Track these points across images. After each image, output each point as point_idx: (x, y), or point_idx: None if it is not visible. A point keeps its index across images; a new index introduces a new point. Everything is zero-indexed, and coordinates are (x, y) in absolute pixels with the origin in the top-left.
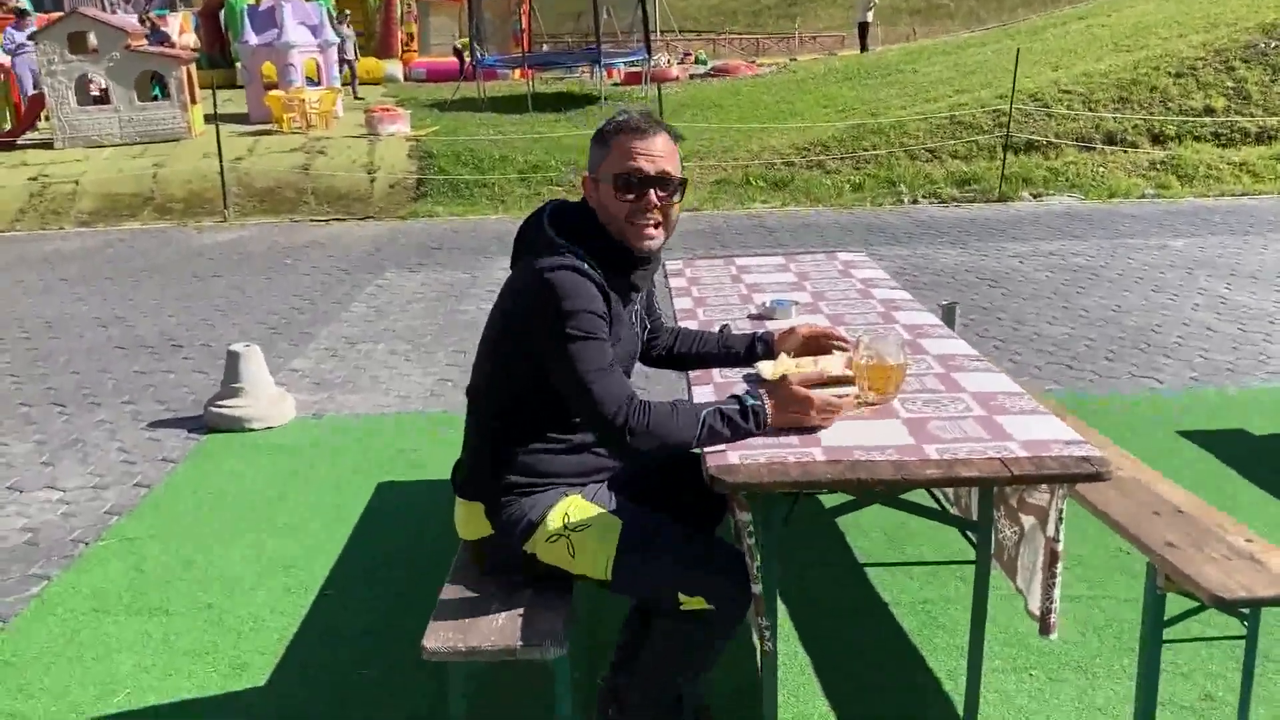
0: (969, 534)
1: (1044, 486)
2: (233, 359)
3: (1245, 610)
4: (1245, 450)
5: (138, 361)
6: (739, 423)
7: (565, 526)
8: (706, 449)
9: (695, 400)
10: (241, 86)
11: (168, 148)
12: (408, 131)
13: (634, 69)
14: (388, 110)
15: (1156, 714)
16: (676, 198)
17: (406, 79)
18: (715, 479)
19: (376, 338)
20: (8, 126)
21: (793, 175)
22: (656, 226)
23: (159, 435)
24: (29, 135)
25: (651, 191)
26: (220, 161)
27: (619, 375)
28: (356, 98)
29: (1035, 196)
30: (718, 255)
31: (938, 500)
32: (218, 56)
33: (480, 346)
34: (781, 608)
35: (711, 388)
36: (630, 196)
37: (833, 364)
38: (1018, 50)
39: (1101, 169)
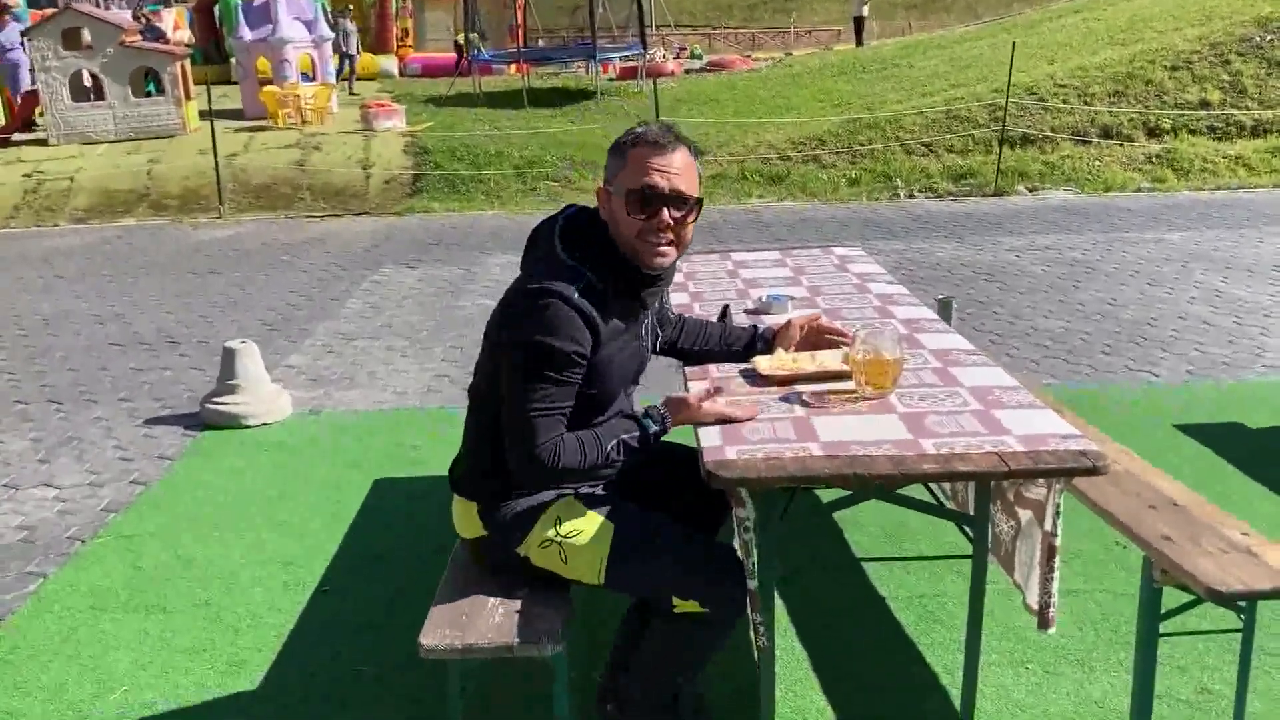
0: (966, 529)
1: (1041, 481)
2: (229, 356)
3: (1241, 604)
4: (1241, 444)
5: (134, 358)
6: (636, 449)
7: (557, 532)
8: (704, 445)
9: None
10: (236, 82)
11: (162, 144)
12: (403, 127)
13: (629, 64)
14: (383, 106)
15: (1153, 707)
16: (691, 217)
17: (402, 74)
18: (712, 474)
19: (373, 334)
20: (1, 123)
21: (789, 170)
22: (669, 245)
23: (156, 432)
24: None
25: (665, 210)
26: (215, 157)
27: (557, 418)
28: (352, 93)
29: (1031, 190)
30: (714, 250)
31: (934, 495)
32: (212, 52)
33: (483, 345)
34: (779, 603)
35: (708, 382)
36: (643, 214)
37: (830, 359)
38: (1013, 44)
39: (1097, 163)
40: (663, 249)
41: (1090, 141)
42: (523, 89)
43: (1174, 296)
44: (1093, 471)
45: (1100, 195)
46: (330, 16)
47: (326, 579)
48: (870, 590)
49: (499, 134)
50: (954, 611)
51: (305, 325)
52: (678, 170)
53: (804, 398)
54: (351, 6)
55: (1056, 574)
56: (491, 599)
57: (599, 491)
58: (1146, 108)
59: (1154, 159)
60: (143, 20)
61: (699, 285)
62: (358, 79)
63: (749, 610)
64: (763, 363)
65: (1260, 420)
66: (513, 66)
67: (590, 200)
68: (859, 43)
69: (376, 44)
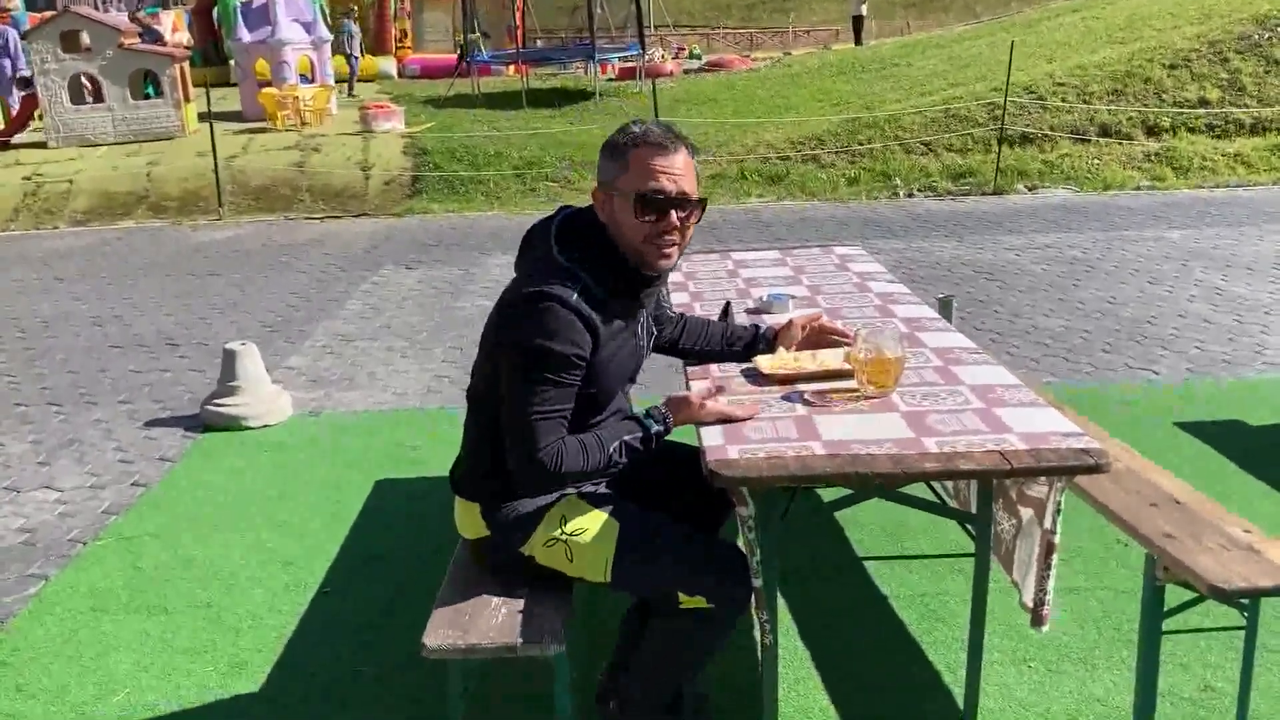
0: (968, 527)
1: (1042, 479)
2: (229, 357)
3: (1244, 601)
4: (1242, 442)
5: (134, 360)
6: (638, 449)
7: (562, 530)
8: (706, 445)
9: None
10: (235, 84)
11: (162, 146)
12: (402, 128)
13: (628, 64)
14: (382, 107)
15: (1156, 705)
16: (694, 218)
17: (401, 75)
18: (714, 473)
19: (373, 335)
20: (1, 126)
21: (788, 169)
22: (673, 247)
23: (156, 434)
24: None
25: (673, 213)
26: (215, 159)
27: (558, 421)
28: (351, 94)
29: (1030, 189)
30: (714, 250)
31: (936, 493)
32: (211, 54)
33: (479, 348)
34: (781, 603)
35: (709, 382)
36: (651, 218)
37: (832, 357)
38: (1012, 43)
39: (1096, 161)
40: (667, 251)
41: (1089, 140)
42: (521, 90)
43: (1174, 294)
44: (1095, 469)
45: (1099, 194)
46: (329, 18)
47: (327, 580)
48: (872, 589)
49: (498, 135)
50: (956, 610)
51: (305, 326)
52: (681, 171)
53: (806, 397)
54: (355, 8)
55: (1053, 572)
56: (494, 599)
57: (602, 490)
58: (1145, 106)
59: (1153, 157)
60: (140, 25)
61: (699, 285)
62: (358, 80)
63: (754, 608)
64: (764, 362)
65: (1261, 418)
66: (511, 67)
67: (588, 201)
68: (858, 42)
69: (375, 45)
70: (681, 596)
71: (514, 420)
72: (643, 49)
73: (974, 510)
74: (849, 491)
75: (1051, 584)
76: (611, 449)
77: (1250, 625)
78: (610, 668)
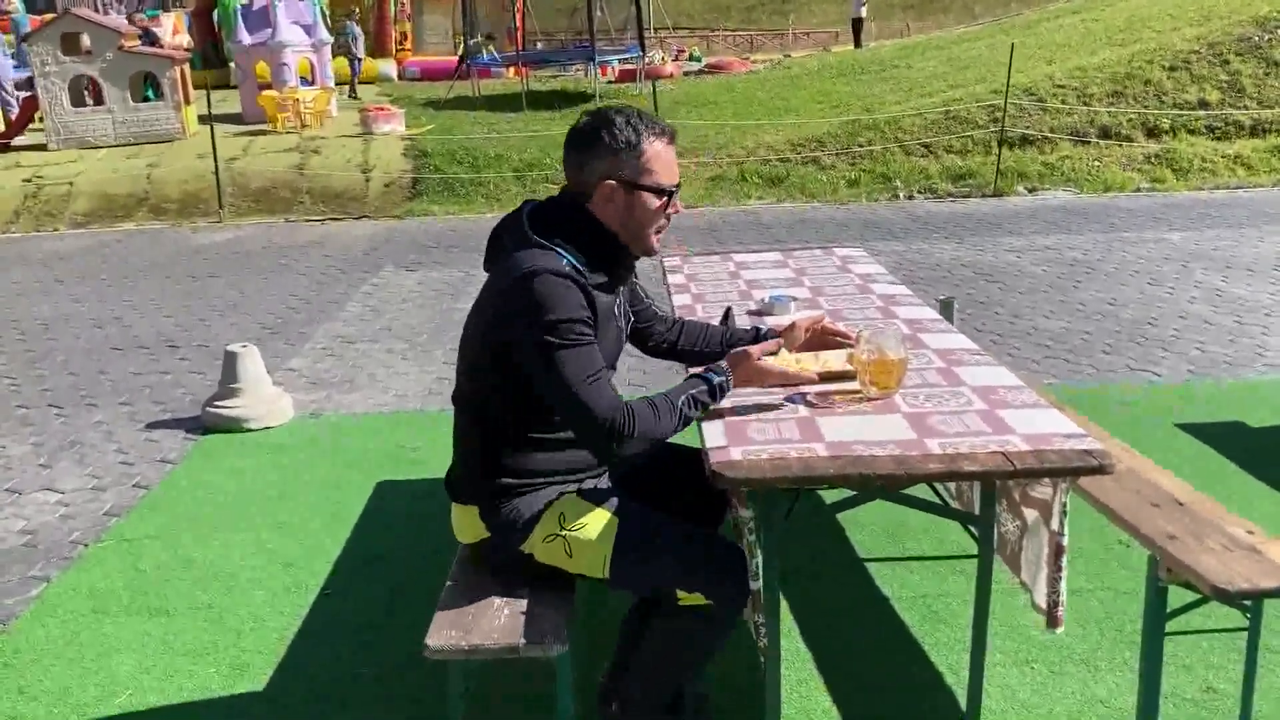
0: (971, 528)
1: (1046, 481)
2: (230, 359)
3: (1247, 602)
4: (1243, 442)
5: (135, 362)
6: (707, 403)
7: (561, 526)
8: (709, 446)
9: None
10: (235, 86)
11: (162, 148)
12: (402, 130)
13: (628, 66)
14: (382, 109)
15: (1159, 707)
16: None
17: (400, 78)
18: (717, 474)
19: (373, 337)
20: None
21: (788, 171)
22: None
23: (157, 436)
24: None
25: (677, 200)
26: (215, 161)
27: (605, 382)
28: (353, 97)
29: (1030, 191)
30: (715, 251)
31: (939, 495)
32: (211, 56)
33: (461, 350)
34: (783, 604)
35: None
36: (669, 209)
37: (834, 359)
38: (1012, 45)
39: (1096, 163)
40: (661, 235)
41: (1089, 142)
42: (521, 92)
43: (1174, 296)
44: (1098, 471)
45: (1099, 195)
46: (329, 20)
47: (329, 581)
48: (873, 590)
49: (498, 137)
50: (957, 611)
51: (305, 328)
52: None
53: (809, 398)
54: (356, 10)
55: (1064, 574)
56: (496, 600)
57: (601, 485)
58: (1145, 108)
59: (1153, 159)
60: (139, 28)
61: (701, 286)
62: (358, 82)
63: (750, 611)
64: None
65: (1262, 419)
66: (511, 69)
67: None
68: (857, 44)
69: (375, 48)
70: (680, 594)
71: (566, 400)
72: (642, 51)
73: (977, 512)
74: (851, 493)
75: (1064, 586)
76: (680, 403)
77: (1253, 626)
78: (611, 668)
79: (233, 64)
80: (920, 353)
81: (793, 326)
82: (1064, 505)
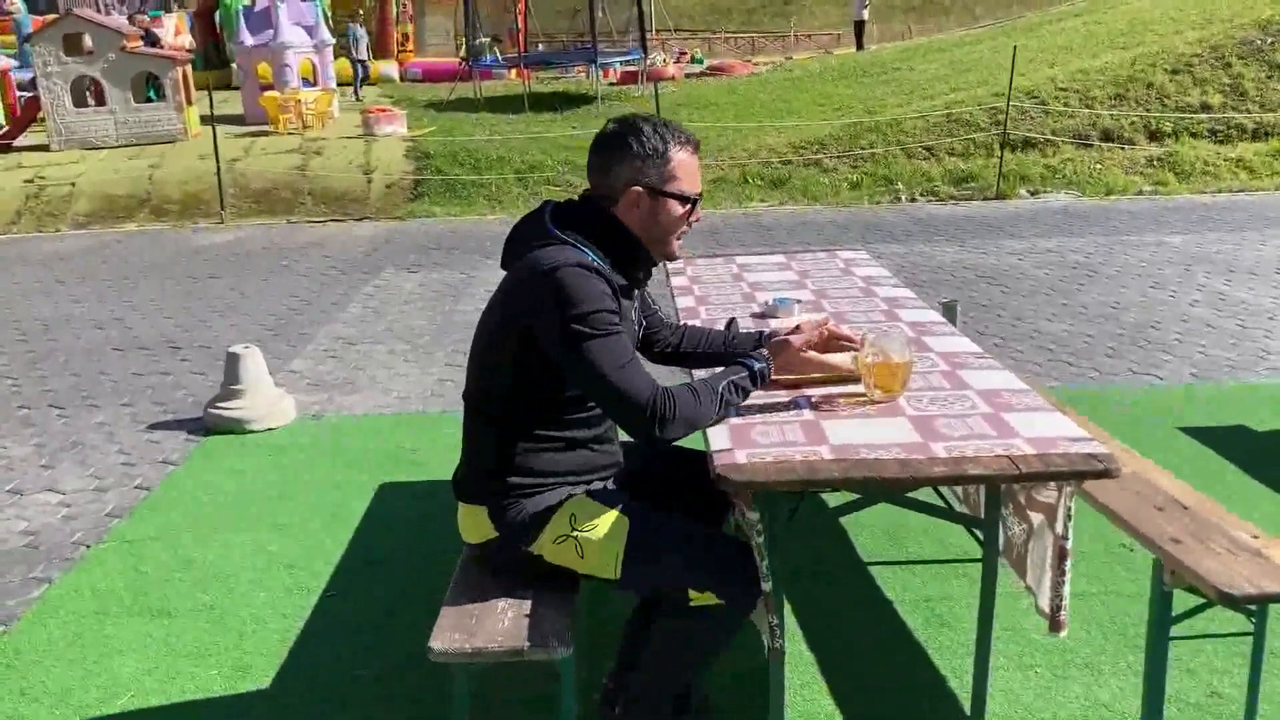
0: (976, 532)
1: (1052, 484)
2: (232, 360)
3: (1252, 606)
4: (1246, 446)
5: (135, 363)
6: (749, 389)
7: (573, 528)
8: (713, 449)
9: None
10: (237, 87)
11: (163, 149)
12: (404, 132)
13: (630, 68)
14: (384, 111)
15: (1163, 711)
16: None
17: (402, 79)
18: (722, 477)
19: (375, 338)
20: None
21: (790, 174)
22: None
23: (158, 437)
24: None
25: (698, 208)
26: (217, 162)
27: (640, 367)
28: (358, 98)
29: (1032, 194)
30: (718, 254)
31: (943, 498)
32: (213, 57)
33: (473, 349)
34: (785, 606)
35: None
36: (693, 217)
37: (839, 362)
38: (1014, 47)
39: (1098, 166)
40: (682, 241)
41: (1091, 145)
42: (523, 94)
43: (1176, 299)
44: (1104, 474)
45: (1101, 198)
46: (331, 22)
47: (331, 582)
48: (876, 593)
49: (500, 139)
50: (961, 614)
51: (306, 330)
52: None
53: (813, 401)
54: (360, 11)
55: (1068, 577)
56: (500, 602)
57: (609, 487)
58: (1147, 111)
59: (1155, 162)
60: (140, 29)
61: (704, 289)
62: (363, 83)
63: (763, 612)
64: None
65: (1265, 422)
66: (513, 71)
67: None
68: (859, 47)
69: (377, 49)
70: (691, 593)
71: (602, 390)
72: (644, 53)
73: (983, 515)
74: (855, 496)
75: (1067, 589)
76: (722, 389)
77: (1258, 631)
78: (615, 670)
79: (234, 65)
80: (924, 356)
81: (797, 329)
82: (1069, 509)
